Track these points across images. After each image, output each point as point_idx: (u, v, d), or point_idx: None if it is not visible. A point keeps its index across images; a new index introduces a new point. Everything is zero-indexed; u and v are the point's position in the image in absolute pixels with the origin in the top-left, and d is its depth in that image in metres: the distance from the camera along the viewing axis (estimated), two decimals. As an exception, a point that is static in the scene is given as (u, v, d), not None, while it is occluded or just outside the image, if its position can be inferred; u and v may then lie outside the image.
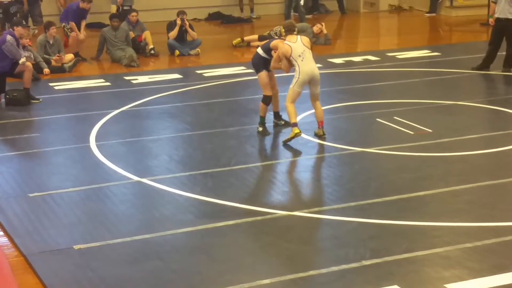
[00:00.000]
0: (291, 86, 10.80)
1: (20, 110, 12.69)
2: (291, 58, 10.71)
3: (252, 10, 21.73)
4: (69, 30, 16.46)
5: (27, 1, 17.65)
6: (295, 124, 10.67)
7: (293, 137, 10.61)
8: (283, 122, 11.60)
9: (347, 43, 19.56)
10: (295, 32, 10.87)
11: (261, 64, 11.29)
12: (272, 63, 11.12)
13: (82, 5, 16.18)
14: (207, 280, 6.99)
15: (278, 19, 20.44)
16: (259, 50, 11.41)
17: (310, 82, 10.77)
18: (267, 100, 11.29)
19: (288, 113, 10.81)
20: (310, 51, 10.83)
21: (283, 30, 11.01)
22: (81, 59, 16.26)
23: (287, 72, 11.17)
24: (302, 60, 10.69)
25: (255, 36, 18.05)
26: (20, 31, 13.06)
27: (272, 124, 11.56)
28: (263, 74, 11.27)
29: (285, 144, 10.67)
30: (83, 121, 12.07)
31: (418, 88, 13.93)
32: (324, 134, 10.95)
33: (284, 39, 10.88)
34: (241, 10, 21.70)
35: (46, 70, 14.94)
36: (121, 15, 17.34)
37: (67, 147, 10.79)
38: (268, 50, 11.27)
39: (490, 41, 15.06)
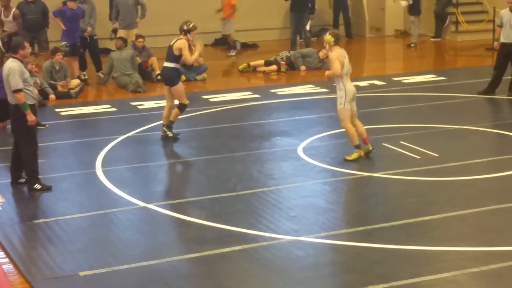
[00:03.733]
0: (340, 106, 10.93)
1: (27, 136, 12.70)
2: (341, 73, 10.82)
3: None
4: (66, 50, 16.44)
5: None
6: (358, 146, 10.98)
7: (357, 158, 10.93)
8: (171, 134, 12.19)
9: (353, 68, 19.44)
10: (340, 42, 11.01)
11: (176, 76, 12.02)
12: (191, 58, 11.92)
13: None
14: (213, 306, 6.97)
15: (281, 45, 20.49)
16: (168, 64, 12.02)
17: (354, 99, 11.02)
18: (184, 108, 12.14)
19: (350, 135, 11.01)
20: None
21: (332, 39, 10.86)
22: (84, 83, 16.28)
23: (335, 76, 10.90)
24: (347, 80, 10.95)
25: (261, 62, 18.08)
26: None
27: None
28: (181, 84, 12.08)
29: (346, 160, 10.94)
30: (89, 147, 12.08)
31: (424, 113, 13.92)
32: (372, 149, 11.13)
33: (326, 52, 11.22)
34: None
35: (52, 96, 14.98)
36: (90, 44, 17.27)
37: (73, 173, 10.80)
38: (176, 59, 11.92)
39: (495, 66, 15.07)
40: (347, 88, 10.90)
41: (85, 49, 17.17)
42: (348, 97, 10.89)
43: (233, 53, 20.37)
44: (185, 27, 12.11)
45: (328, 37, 10.92)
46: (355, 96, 11.04)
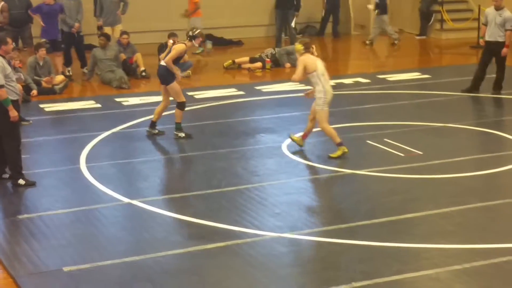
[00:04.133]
0: (319, 108, 10.92)
1: (11, 131, 12.65)
2: (314, 73, 10.81)
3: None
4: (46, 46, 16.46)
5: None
6: (341, 144, 10.94)
7: (341, 155, 10.90)
8: (156, 131, 12.21)
9: (338, 65, 19.63)
10: (312, 50, 11.04)
11: (170, 75, 11.94)
12: (168, 59, 11.85)
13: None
14: (197, 303, 6.98)
15: (266, 42, 20.52)
16: (164, 63, 11.98)
17: (331, 101, 11.04)
18: (183, 105, 12.04)
19: (330, 135, 11.04)
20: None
21: (302, 47, 10.91)
22: (69, 79, 16.25)
23: (298, 80, 11.15)
24: (325, 80, 10.89)
25: (246, 58, 18.09)
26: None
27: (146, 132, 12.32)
28: (175, 83, 11.99)
29: (330, 158, 10.95)
30: (73, 143, 12.06)
31: (408, 110, 13.97)
32: (302, 145, 11.35)
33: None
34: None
35: (34, 92, 14.89)
36: (77, 40, 17.27)
37: (57, 169, 10.77)
38: (175, 59, 11.94)
39: (479, 63, 15.16)
40: (326, 89, 10.90)
41: (71, 45, 17.13)
42: (327, 99, 10.91)
43: (209, 45, 20.35)
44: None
45: (298, 46, 10.99)
46: (332, 97, 11.06)
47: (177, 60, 12.07)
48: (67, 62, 17.05)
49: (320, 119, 11.00)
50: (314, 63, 10.83)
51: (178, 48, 12.00)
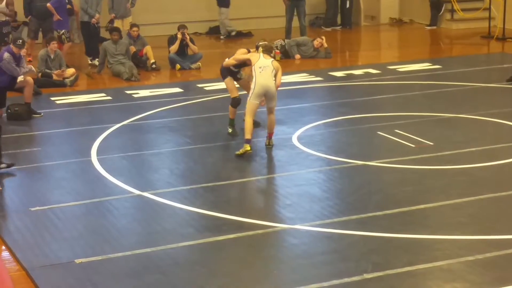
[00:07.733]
0: (248, 99, 10.99)
1: (21, 124, 12.70)
2: (253, 67, 10.96)
3: None
4: (67, 38, 16.77)
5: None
6: (248, 141, 10.79)
7: (243, 153, 10.72)
8: (230, 131, 11.96)
9: (348, 56, 19.59)
10: (272, 54, 11.25)
11: (226, 71, 11.93)
12: (227, 61, 11.85)
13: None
14: (208, 294, 6.98)
15: (278, 33, 20.46)
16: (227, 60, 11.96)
17: (266, 95, 10.92)
18: (234, 102, 11.89)
19: (245, 128, 10.97)
20: (274, 71, 10.92)
21: (262, 49, 11.18)
22: (93, 67, 16.50)
23: (229, 63, 11.64)
24: (260, 72, 10.87)
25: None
26: (15, 49, 13.01)
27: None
28: (228, 79, 11.96)
29: (237, 156, 10.76)
30: (84, 135, 12.08)
31: (419, 101, 13.93)
32: (270, 144, 11.20)
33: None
34: None
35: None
36: (93, 32, 17.48)
37: (68, 161, 10.80)
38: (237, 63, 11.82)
39: None
40: (256, 81, 10.82)
41: (91, 36, 17.27)
42: (256, 91, 10.82)
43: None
44: (256, 43, 11.92)
45: (260, 49, 11.23)
46: (270, 94, 10.86)
47: (239, 65, 11.89)
48: (89, 52, 17.35)
49: (246, 110, 11.01)
50: (257, 58, 10.97)
51: (239, 52, 11.88)
